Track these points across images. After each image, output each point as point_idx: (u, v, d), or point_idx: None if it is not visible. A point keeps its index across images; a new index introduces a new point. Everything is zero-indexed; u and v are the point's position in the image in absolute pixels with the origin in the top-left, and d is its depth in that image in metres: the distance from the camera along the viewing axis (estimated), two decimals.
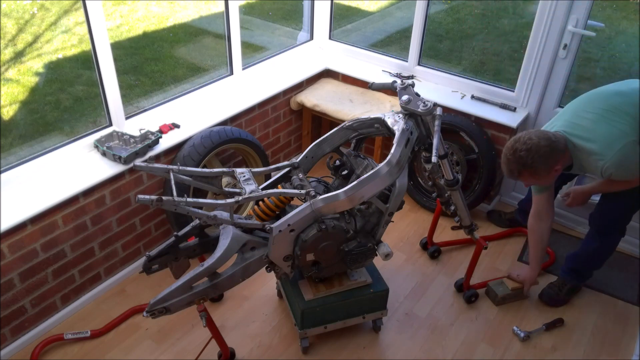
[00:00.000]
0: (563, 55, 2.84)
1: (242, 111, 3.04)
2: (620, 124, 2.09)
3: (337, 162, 2.28)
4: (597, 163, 2.10)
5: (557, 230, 3.19)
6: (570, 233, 3.17)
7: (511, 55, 4.03)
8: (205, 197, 2.95)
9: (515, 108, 3.07)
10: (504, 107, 3.08)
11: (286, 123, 3.49)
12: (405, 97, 2.13)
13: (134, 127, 2.69)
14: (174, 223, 2.70)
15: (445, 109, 3.07)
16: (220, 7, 3.03)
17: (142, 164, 1.99)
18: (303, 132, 3.65)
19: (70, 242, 2.44)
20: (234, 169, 2.11)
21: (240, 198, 1.93)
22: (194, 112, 2.92)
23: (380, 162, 2.04)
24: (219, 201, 1.93)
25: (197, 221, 2.11)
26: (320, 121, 3.74)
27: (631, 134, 2.08)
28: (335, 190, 2.01)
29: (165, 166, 2.01)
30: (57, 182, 2.36)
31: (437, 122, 2.01)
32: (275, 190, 2.02)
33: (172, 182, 1.95)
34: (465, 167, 3.12)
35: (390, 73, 3.46)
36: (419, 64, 3.42)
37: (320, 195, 2.00)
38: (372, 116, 2.21)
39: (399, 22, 5.12)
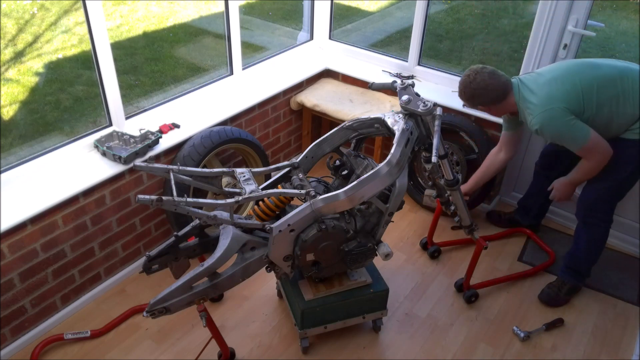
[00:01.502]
0: (563, 55, 2.84)
1: (242, 111, 3.04)
2: (564, 89, 2.24)
3: (337, 162, 2.28)
4: (529, 116, 2.30)
5: (557, 230, 3.19)
6: (570, 233, 3.17)
7: (511, 55, 4.04)
8: (205, 197, 2.95)
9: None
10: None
11: (286, 123, 3.49)
12: (405, 97, 2.13)
13: (134, 127, 2.69)
14: (174, 223, 2.70)
15: (445, 109, 3.07)
16: (220, 7, 3.03)
17: (142, 164, 1.99)
18: (303, 132, 3.65)
19: (70, 242, 2.44)
20: (234, 169, 2.11)
21: (240, 198, 1.93)
22: (194, 112, 2.92)
23: (380, 162, 2.04)
24: (219, 201, 1.93)
25: (197, 221, 2.11)
26: (320, 121, 3.74)
27: (565, 101, 2.21)
28: (335, 190, 2.01)
29: (165, 166, 2.01)
30: (57, 182, 2.36)
31: (437, 122, 2.01)
32: (275, 190, 2.02)
33: (172, 182, 1.95)
34: (465, 167, 3.12)
35: (390, 73, 3.46)
36: (419, 64, 3.42)
37: (320, 195, 2.00)
38: (372, 116, 2.21)
39: (399, 22, 5.13)
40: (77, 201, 2.38)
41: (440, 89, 3.30)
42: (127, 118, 2.70)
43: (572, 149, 2.29)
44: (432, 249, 2.97)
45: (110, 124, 2.65)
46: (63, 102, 3.48)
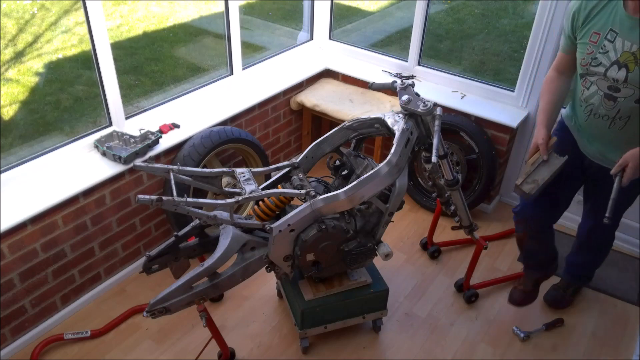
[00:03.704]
0: None
1: (242, 111, 3.04)
2: None
3: (337, 162, 2.28)
4: None
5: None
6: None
7: (511, 55, 4.04)
8: (205, 197, 2.95)
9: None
10: None
11: (286, 123, 3.49)
12: (405, 97, 2.12)
13: (134, 127, 2.69)
14: (174, 223, 2.70)
15: (445, 109, 3.07)
16: (220, 7, 3.03)
17: (142, 164, 1.99)
18: (303, 132, 3.65)
19: (70, 242, 2.44)
20: (234, 169, 2.11)
21: (240, 198, 1.93)
22: (194, 112, 2.92)
23: (380, 162, 2.04)
24: (219, 201, 1.93)
25: (197, 221, 2.11)
26: (320, 121, 3.74)
27: None
28: (335, 190, 2.01)
29: (165, 166, 2.01)
30: (57, 182, 2.36)
31: (437, 122, 2.01)
32: (275, 190, 2.02)
33: (172, 182, 1.95)
34: (465, 167, 3.12)
35: (390, 73, 3.46)
36: (419, 64, 3.42)
37: (320, 195, 2.00)
38: (372, 116, 2.21)
39: (399, 22, 5.13)
40: (77, 201, 2.38)
41: (440, 89, 3.30)
42: (127, 118, 2.70)
43: None
44: (432, 249, 2.97)
45: (110, 124, 2.65)
46: (63, 102, 3.47)
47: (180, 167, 2.03)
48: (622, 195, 2.09)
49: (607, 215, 1.89)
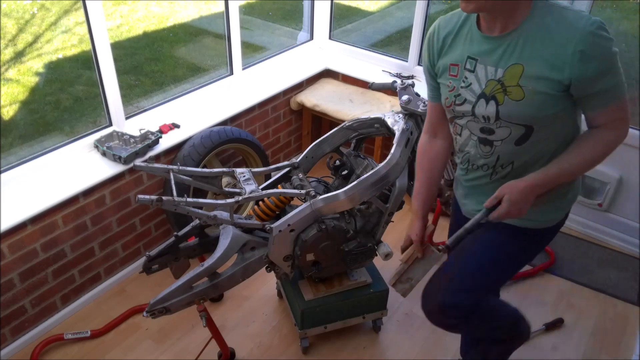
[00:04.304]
0: None
1: (242, 111, 3.04)
2: None
3: (337, 162, 2.28)
4: (574, 18, 1.35)
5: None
6: (570, 233, 3.17)
7: None
8: (205, 197, 2.95)
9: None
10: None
11: (286, 123, 3.49)
12: (405, 97, 2.13)
13: (134, 127, 2.69)
14: (174, 223, 2.70)
15: None
16: (220, 7, 3.03)
17: (142, 164, 1.99)
18: (303, 132, 3.65)
19: (70, 242, 2.44)
20: (234, 169, 2.11)
21: (240, 198, 1.93)
22: (194, 112, 2.92)
23: (380, 162, 2.04)
24: (219, 201, 1.93)
25: (197, 221, 2.10)
26: (320, 121, 3.74)
27: None
28: (335, 190, 2.01)
29: (165, 166, 2.01)
30: (57, 182, 2.36)
31: None
32: (275, 190, 2.02)
33: (172, 182, 1.95)
34: None
35: (390, 73, 3.46)
36: (419, 64, 3.41)
37: (320, 195, 2.00)
38: (372, 116, 2.21)
39: (399, 22, 5.13)
40: (77, 201, 2.38)
41: None
42: (127, 118, 2.70)
43: (602, 102, 1.39)
44: None
45: (110, 124, 2.65)
46: (63, 102, 3.48)
47: (180, 167, 2.03)
48: (504, 259, 1.69)
49: (447, 243, 1.55)
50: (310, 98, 3.37)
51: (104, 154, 2.52)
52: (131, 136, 2.58)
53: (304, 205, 2.00)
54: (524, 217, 1.51)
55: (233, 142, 2.78)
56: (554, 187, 1.49)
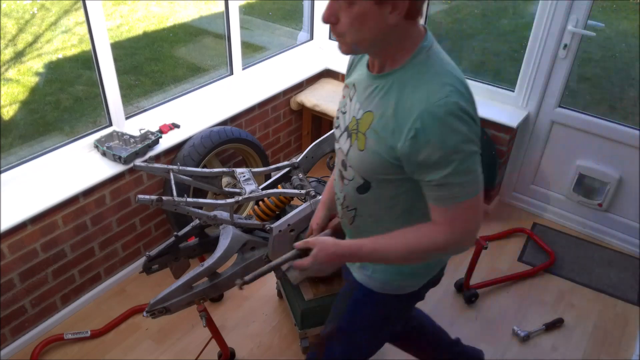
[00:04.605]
0: (563, 55, 2.84)
1: (242, 111, 3.04)
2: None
3: None
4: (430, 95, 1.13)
5: (557, 230, 3.19)
6: (570, 233, 3.17)
7: (511, 55, 4.03)
8: (205, 197, 2.95)
9: None
10: None
11: (286, 123, 3.49)
12: None
13: (134, 127, 2.69)
14: (174, 223, 2.70)
15: None
16: (220, 7, 3.03)
17: (142, 164, 1.99)
18: (303, 132, 3.65)
19: (70, 242, 2.44)
20: (234, 169, 2.12)
21: (240, 198, 1.94)
22: (194, 112, 2.92)
23: None
24: (219, 201, 1.93)
25: (197, 221, 2.11)
26: (320, 121, 3.74)
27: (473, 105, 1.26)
28: None
29: (165, 166, 2.01)
30: (57, 182, 2.36)
31: None
32: (275, 190, 2.03)
33: (172, 182, 1.95)
34: None
35: None
36: None
37: (320, 195, 2.00)
38: None
39: None
40: (77, 201, 2.38)
41: None
42: (127, 118, 2.70)
43: (437, 198, 1.18)
44: None
45: (110, 124, 2.65)
46: (63, 102, 3.48)
47: (180, 167, 2.03)
48: (362, 321, 1.56)
49: (245, 279, 1.37)
50: (310, 98, 3.37)
51: (104, 154, 2.52)
52: (131, 136, 2.58)
53: (304, 205, 2.00)
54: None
55: (233, 142, 2.78)
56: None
